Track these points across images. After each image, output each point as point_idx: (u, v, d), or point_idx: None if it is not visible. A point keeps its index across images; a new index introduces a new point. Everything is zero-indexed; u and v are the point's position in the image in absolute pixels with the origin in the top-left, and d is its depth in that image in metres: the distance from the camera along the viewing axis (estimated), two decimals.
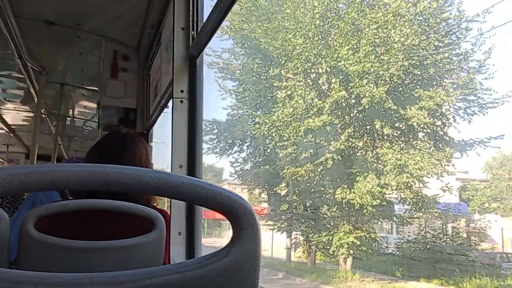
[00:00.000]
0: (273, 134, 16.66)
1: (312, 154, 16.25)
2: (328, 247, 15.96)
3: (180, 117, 1.81)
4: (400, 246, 16.32)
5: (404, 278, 14.22)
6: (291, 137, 16.15)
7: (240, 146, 19.19)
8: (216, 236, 27.89)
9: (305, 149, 16.36)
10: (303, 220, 17.28)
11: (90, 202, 1.33)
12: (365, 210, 15.13)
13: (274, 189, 18.22)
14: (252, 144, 19.05)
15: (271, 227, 18.52)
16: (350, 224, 15.50)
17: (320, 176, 16.38)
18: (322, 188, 16.81)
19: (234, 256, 0.54)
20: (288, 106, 16.27)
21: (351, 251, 15.23)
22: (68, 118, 6.09)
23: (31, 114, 5.73)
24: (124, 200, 1.34)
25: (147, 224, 1.35)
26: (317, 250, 17.07)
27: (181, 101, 1.84)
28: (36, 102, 4.37)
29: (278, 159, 17.12)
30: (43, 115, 5.35)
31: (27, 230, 1.19)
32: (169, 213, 1.76)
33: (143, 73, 3.57)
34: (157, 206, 1.65)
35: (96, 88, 4.59)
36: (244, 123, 18.37)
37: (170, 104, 2.41)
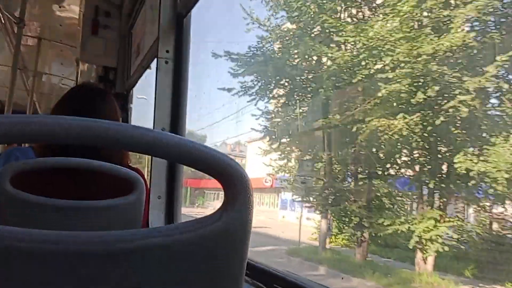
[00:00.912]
0: (363, 62, 10.58)
1: (437, 94, 9.86)
2: (403, 238, 11.17)
3: (164, 78, 1.76)
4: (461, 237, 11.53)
5: (479, 279, 10.23)
6: (405, 65, 9.82)
7: (288, 87, 13.11)
8: (200, 207, 26.96)
9: (425, 86, 9.82)
10: (353, 198, 12.25)
11: (69, 160, 1.30)
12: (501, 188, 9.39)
13: (330, 152, 12.61)
14: (308, 83, 12.53)
15: (307, 205, 14.42)
16: (439, 209, 10.56)
17: (429, 133, 10.35)
18: (422, 153, 10.90)
19: (225, 221, 0.52)
20: (395, 15, 9.97)
21: (445, 248, 10.32)
22: (44, 75, 5.90)
23: (5, 68, 5.53)
24: (96, 158, 1.31)
25: (125, 186, 1.33)
26: (378, 239, 12.31)
27: (166, 62, 1.79)
28: (12, 55, 4.22)
29: (353, 106, 11.15)
30: (19, 69, 5.18)
31: (2, 186, 1.15)
32: (143, 173, 1.73)
33: (125, 31, 3.46)
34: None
35: (75, 45, 4.45)
36: (298, 50, 12.31)
37: (152, 65, 2.35)
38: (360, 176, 12.35)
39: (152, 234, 0.49)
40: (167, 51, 1.80)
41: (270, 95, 13.59)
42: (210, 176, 0.53)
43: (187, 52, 1.80)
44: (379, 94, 10.24)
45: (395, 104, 10.44)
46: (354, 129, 11.06)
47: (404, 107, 10.28)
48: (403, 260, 11.68)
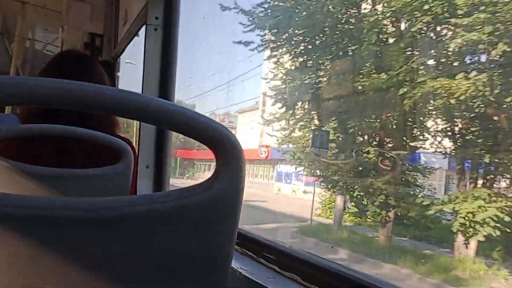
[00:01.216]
0: (425, 6, 8.24)
1: None
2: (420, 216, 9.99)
3: (153, 46, 1.72)
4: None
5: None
6: (486, 8, 7.56)
7: (312, 42, 10.55)
8: (190, 178, 26.52)
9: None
10: (376, 173, 10.71)
11: (55, 127, 1.27)
12: None
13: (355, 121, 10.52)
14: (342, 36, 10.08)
15: (319, 180, 12.77)
16: (486, 187, 9.00)
17: (496, 97, 8.15)
18: (476, 122, 8.92)
19: (217, 189, 0.52)
20: None
21: (498, 233, 8.57)
22: (28, 41, 5.76)
23: None
24: (85, 127, 1.29)
25: (113, 154, 1.31)
26: (403, 219, 10.90)
27: (155, 29, 1.75)
28: None
29: (396, 65, 8.90)
30: (1, 34, 5.05)
31: None
32: (132, 143, 1.72)
33: None
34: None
35: (60, 10, 4.33)
36: None
37: (141, 32, 2.30)
38: (387, 148, 10.71)
39: (142, 201, 0.48)
40: (156, 18, 1.75)
41: (292, 52, 11.10)
42: (201, 143, 0.52)
43: (177, 19, 1.76)
44: (450, 47, 8.06)
45: (461, 59, 8.36)
46: (400, 92, 8.97)
47: (469, 63, 8.32)
48: (419, 240, 10.73)
